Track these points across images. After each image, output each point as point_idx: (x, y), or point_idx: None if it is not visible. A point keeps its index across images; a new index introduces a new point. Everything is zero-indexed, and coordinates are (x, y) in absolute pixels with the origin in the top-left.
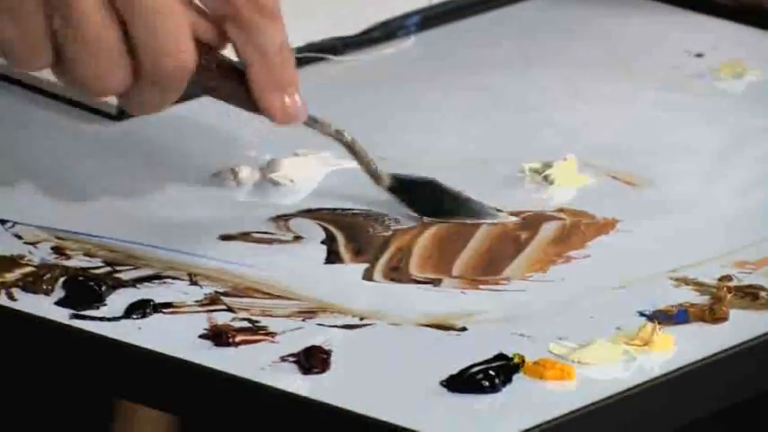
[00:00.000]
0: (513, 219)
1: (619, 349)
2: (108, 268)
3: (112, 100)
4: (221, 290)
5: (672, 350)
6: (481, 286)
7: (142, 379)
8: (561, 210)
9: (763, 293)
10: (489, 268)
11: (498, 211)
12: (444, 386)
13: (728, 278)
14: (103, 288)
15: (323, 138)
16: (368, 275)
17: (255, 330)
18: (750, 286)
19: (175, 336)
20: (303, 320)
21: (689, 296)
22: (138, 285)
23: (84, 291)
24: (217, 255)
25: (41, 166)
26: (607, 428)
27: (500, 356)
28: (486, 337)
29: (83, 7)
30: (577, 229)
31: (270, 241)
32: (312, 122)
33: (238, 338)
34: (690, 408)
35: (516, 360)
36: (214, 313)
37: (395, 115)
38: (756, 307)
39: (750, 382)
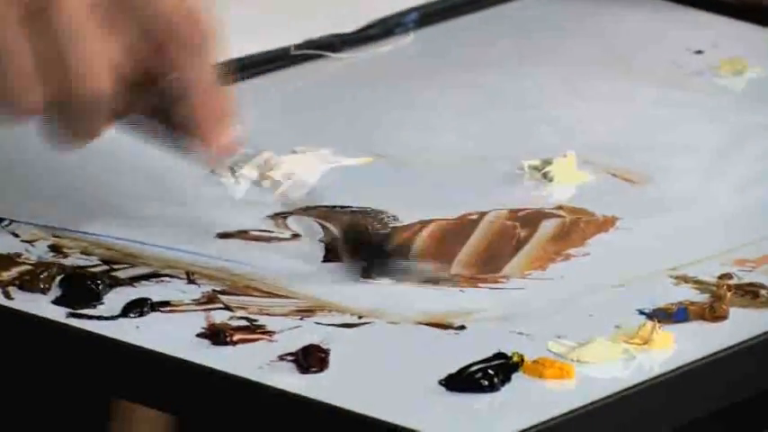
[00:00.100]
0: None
1: (618, 348)
2: (105, 266)
3: None
4: (219, 288)
5: (671, 349)
6: (480, 284)
7: (139, 378)
8: (560, 207)
9: (763, 292)
10: (488, 266)
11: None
12: (443, 385)
13: (728, 276)
14: (101, 286)
15: (322, 135)
16: (365, 275)
17: (253, 329)
18: (750, 284)
19: (173, 335)
20: (301, 319)
21: (689, 294)
22: (135, 284)
23: (81, 289)
24: (214, 253)
25: (38, 164)
26: (606, 427)
27: (499, 355)
28: (485, 336)
29: (1, 23)
30: (577, 227)
31: (268, 239)
32: (247, 159)
33: (236, 337)
34: (690, 407)
35: (515, 359)
36: (212, 312)
37: (393, 113)
38: (757, 305)
39: (750, 381)
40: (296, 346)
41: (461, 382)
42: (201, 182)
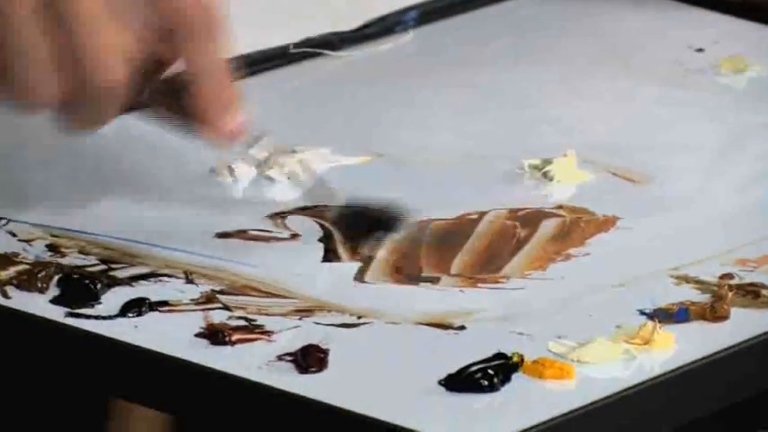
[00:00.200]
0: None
1: (619, 348)
2: (103, 266)
3: None
4: (217, 288)
5: (672, 349)
6: (480, 284)
7: (138, 378)
8: (561, 207)
9: (764, 292)
10: (488, 266)
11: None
12: (443, 385)
13: (729, 276)
14: (99, 286)
15: (320, 134)
16: (359, 276)
17: (252, 329)
18: (751, 284)
19: (171, 334)
20: (300, 319)
21: (689, 294)
22: (133, 283)
23: (79, 289)
24: (213, 252)
25: (35, 163)
26: (607, 428)
27: (499, 355)
28: (485, 336)
29: (16, 17)
30: (577, 227)
31: (266, 239)
32: (254, 141)
33: (235, 337)
34: (690, 407)
35: (515, 359)
36: (210, 312)
37: (392, 111)
38: (757, 305)
39: (751, 381)
40: (295, 346)
41: (461, 382)
42: (200, 181)
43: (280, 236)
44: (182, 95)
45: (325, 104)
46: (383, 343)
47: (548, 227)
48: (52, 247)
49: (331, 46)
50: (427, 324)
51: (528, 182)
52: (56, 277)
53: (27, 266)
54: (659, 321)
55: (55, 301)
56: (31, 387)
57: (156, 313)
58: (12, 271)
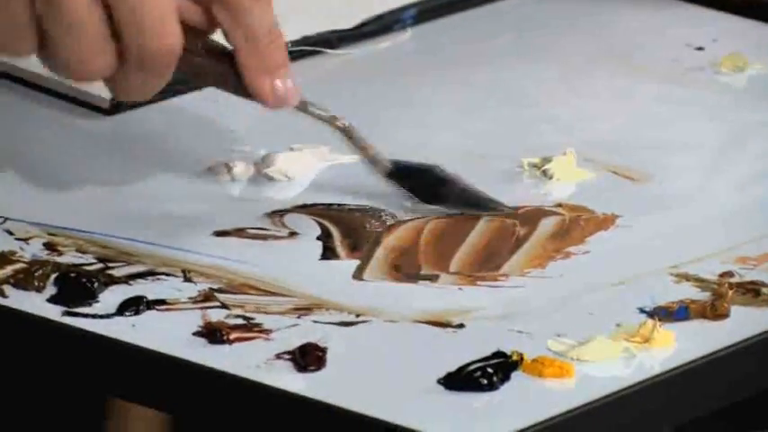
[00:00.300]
0: (512, 210)
1: (619, 346)
2: (101, 265)
3: (106, 93)
4: (215, 286)
5: (672, 347)
6: (479, 282)
7: (135, 377)
8: (560, 205)
9: (764, 290)
10: (487, 264)
11: (499, 204)
12: (442, 384)
13: (730, 274)
14: (96, 285)
15: (319, 132)
16: (358, 275)
17: (250, 327)
18: (752, 282)
19: (169, 333)
20: (298, 317)
21: (690, 292)
22: (131, 282)
23: (76, 287)
24: (211, 251)
25: (33, 162)
26: (607, 427)
27: (498, 354)
28: (484, 334)
29: None
30: (577, 225)
31: (265, 237)
32: (305, 107)
33: (233, 336)
34: (690, 406)
35: (514, 357)
36: (208, 310)
37: (391, 110)
38: (758, 303)
39: (751, 379)
40: (293, 344)
41: (460, 380)
42: (198, 180)
43: (278, 234)
44: (228, 61)
45: (324, 103)
46: (382, 341)
47: (547, 225)
48: (49, 246)
49: (329, 44)
50: (426, 322)
51: (527, 180)
52: (53, 276)
53: (24, 265)
54: (659, 320)
55: (52, 299)
56: (29, 387)
57: (154, 312)
58: (8, 270)
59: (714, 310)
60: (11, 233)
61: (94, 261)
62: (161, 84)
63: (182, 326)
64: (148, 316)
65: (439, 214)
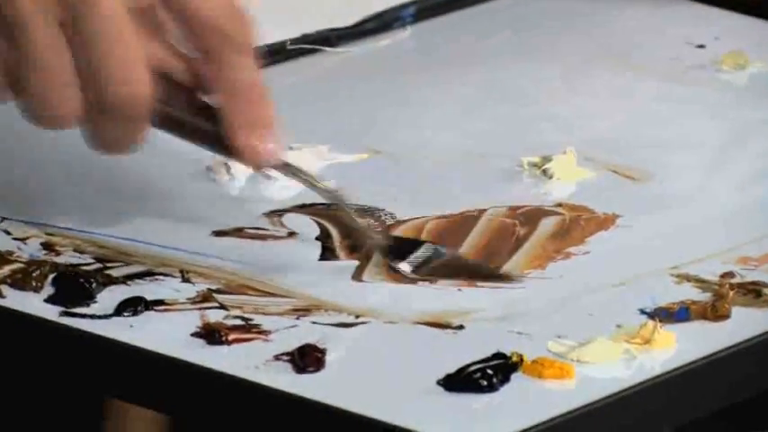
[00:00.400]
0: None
1: (619, 347)
2: (98, 265)
3: None
4: (214, 287)
5: (673, 348)
6: (479, 283)
7: (133, 378)
8: (560, 205)
9: (765, 290)
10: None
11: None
12: (441, 385)
13: (731, 275)
14: (94, 285)
15: (318, 131)
16: (357, 275)
17: (249, 328)
18: (753, 283)
19: (167, 334)
20: (297, 318)
21: (690, 293)
22: (129, 282)
23: (74, 288)
24: (209, 251)
25: (30, 161)
26: (607, 428)
27: (498, 355)
28: (484, 336)
29: (31, 32)
30: (577, 225)
31: (263, 237)
32: (286, 169)
33: (231, 337)
34: (691, 407)
35: (514, 359)
36: (207, 311)
37: (390, 108)
38: (759, 304)
39: (752, 380)
40: (292, 345)
41: (460, 382)
42: (196, 179)
43: (277, 234)
44: (216, 113)
45: (323, 101)
46: (381, 343)
47: (547, 225)
48: (47, 246)
49: (328, 42)
50: (425, 323)
51: (527, 179)
52: (50, 276)
53: (21, 265)
54: (660, 320)
55: (50, 300)
56: (27, 387)
57: (152, 312)
58: (6, 269)
59: (715, 311)
60: (8, 233)
61: (92, 261)
62: (135, 133)
63: (180, 326)
64: (147, 316)
65: (438, 215)
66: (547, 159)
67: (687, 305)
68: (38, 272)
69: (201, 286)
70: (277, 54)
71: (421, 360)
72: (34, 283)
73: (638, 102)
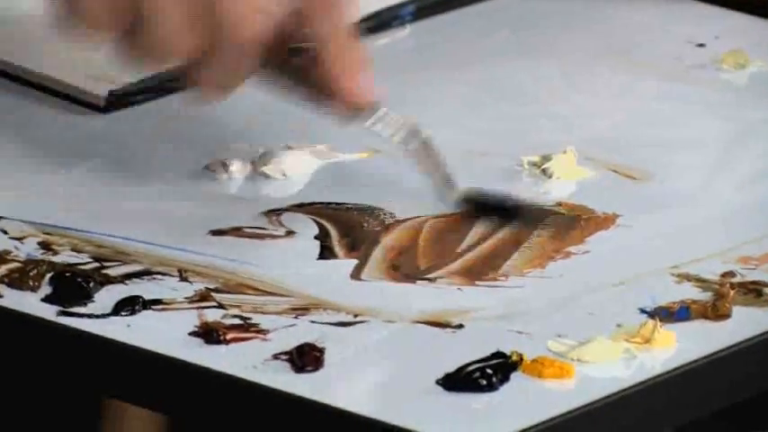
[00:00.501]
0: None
1: (619, 347)
2: (96, 264)
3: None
4: (212, 286)
5: (673, 348)
6: (478, 282)
7: (131, 377)
8: (560, 204)
9: (766, 290)
10: (487, 264)
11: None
12: (440, 385)
13: (731, 274)
14: (91, 284)
15: (317, 130)
16: (356, 274)
17: (247, 328)
18: (753, 282)
19: (165, 333)
20: (296, 318)
21: (691, 293)
22: (126, 281)
23: (71, 287)
24: (207, 250)
25: (28, 160)
26: (607, 428)
27: (497, 354)
28: (484, 335)
29: None
30: (577, 224)
31: (262, 236)
32: (377, 111)
33: (229, 336)
34: (691, 406)
35: (514, 358)
36: (205, 310)
37: (389, 107)
38: (760, 304)
39: (753, 380)
40: (290, 344)
41: (459, 381)
42: (195, 178)
43: (275, 233)
44: (311, 63)
45: None
46: (380, 342)
47: (547, 225)
48: (44, 245)
49: None
50: (425, 323)
51: (527, 179)
52: (48, 275)
53: (19, 264)
54: (660, 320)
55: (47, 299)
56: (24, 387)
57: (150, 312)
58: (3, 269)
59: (715, 311)
60: (5, 232)
61: (90, 260)
62: (241, 77)
63: (178, 326)
64: (144, 316)
65: (438, 214)
66: (547, 158)
67: (687, 305)
68: (35, 271)
69: (199, 285)
70: None
71: (420, 359)
72: (31, 283)
73: (639, 100)
